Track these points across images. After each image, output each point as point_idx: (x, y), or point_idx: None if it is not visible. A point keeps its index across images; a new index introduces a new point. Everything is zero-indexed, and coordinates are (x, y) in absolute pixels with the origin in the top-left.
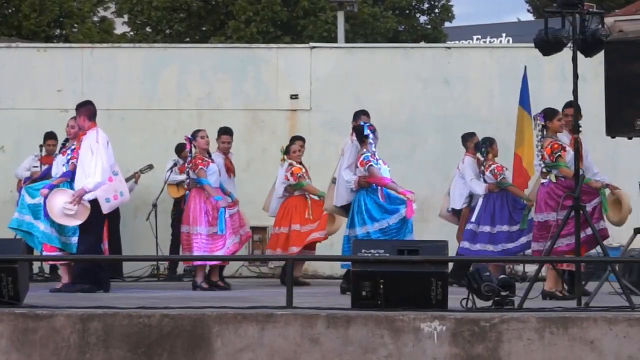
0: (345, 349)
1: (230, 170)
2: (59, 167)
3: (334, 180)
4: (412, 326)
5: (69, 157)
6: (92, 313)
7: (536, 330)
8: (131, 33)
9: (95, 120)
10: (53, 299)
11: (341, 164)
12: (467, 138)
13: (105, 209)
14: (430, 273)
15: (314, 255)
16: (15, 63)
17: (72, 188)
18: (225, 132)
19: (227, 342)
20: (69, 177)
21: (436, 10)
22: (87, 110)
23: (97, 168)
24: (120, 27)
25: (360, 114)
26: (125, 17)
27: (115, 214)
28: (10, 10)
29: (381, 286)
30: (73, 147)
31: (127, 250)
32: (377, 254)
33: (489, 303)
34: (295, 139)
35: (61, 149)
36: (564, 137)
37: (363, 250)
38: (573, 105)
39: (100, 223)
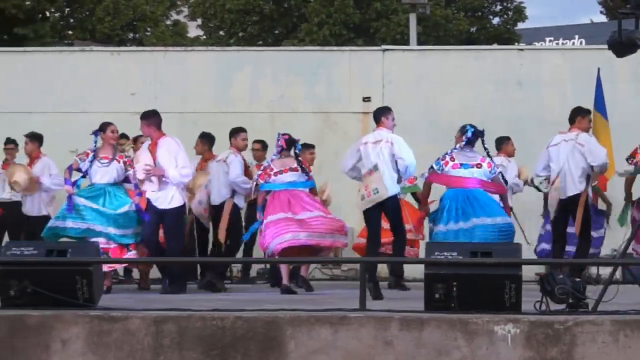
0: (419, 352)
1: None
2: (103, 173)
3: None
4: (485, 329)
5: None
6: (166, 315)
7: (610, 333)
8: (204, 37)
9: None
10: (127, 301)
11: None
12: (502, 142)
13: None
14: (503, 275)
15: (388, 257)
16: (89, 66)
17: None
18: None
19: (301, 345)
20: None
21: (509, 12)
22: (157, 120)
23: (186, 163)
24: (194, 30)
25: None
26: (199, 21)
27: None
28: (84, 14)
29: (454, 288)
30: (125, 155)
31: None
32: (450, 257)
33: (563, 306)
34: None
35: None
36: None
37: (436, 253)
38: None
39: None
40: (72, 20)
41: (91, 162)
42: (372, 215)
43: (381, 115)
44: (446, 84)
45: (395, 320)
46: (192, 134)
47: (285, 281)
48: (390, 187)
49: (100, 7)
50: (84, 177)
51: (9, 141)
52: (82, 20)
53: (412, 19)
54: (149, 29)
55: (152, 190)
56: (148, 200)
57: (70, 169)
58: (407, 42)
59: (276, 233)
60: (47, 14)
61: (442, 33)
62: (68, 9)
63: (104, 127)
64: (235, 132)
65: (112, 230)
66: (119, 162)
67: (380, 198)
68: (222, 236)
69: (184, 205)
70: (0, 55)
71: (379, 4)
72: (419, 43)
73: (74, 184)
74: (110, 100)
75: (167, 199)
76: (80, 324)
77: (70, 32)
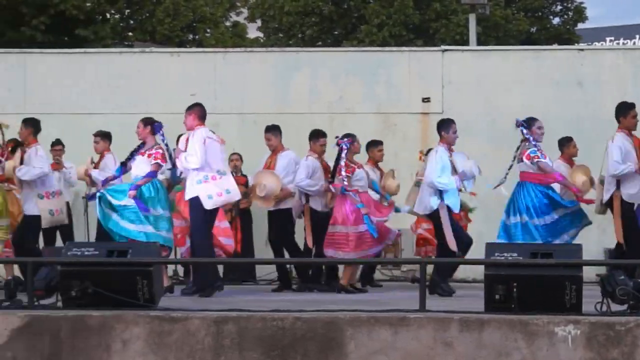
0: (479, 353)
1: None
2: (138, 167)
3: (417, 184)
4: (546, 330)
5: (152, 158)
6: (226, 316)
7: None
8: (263, 38)
9: (204, 122)
10: (187, 302)
11: (428, 172)
12: (563, 143)
13: (208, 204)
14: (564, 276)
15: (447, 258)
16: (150, 68)
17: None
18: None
19: (360, 345)
20: (153, 177)
21: (569, 12)
22: (198, 110)
23: (197, 153)
24: (253, 31)
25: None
26: (258, 22)
27: (248, 215)
28: (144, 16)
29: (515, 289)
30: (153, 148)
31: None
32: (510, 258)
33: (624, 307)
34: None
35: (137, 150)
36: None
37: (497, 254)
38: None
39: (207, 220)
40: (132, 22)
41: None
42: None
43: (440, 129)
44: (506, 85)
45: (455, 321)
46: (252, 134)
47: (344, 281)
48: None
49: (160, 8)
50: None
51: (57, 142)
52: (142, 22)
53: (472, 19)
54: (208, 30)
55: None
56: None
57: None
58: (466, 43)
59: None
60: (108, 15)
61: (501, 33)
62: (128, 10)
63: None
64: (316, 135)
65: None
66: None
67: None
68: (309, 241)
69: (197, 198)
70: (61, 57)
71: (439, 5)
72: (479, 43)
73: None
74: (170, 101)
75: (186, 191)
76: (140, 324)
77: (130, 34)
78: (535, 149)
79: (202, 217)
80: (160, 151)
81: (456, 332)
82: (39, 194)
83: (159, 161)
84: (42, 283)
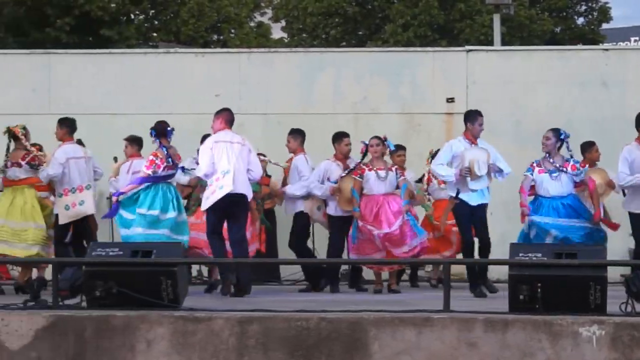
0: (503, 353)
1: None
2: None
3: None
4: (570, 330)
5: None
6: (250, 316)
7: None
8: (287, 39)
9: (231, 126)
10: (211, 302)
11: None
12: (586, 148)
13: (205, 205)
14: (588, 277)
15: (470, 259)
16: (174, 68)
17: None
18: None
19: (385, 346)
20: (142, 184)
21: (594, 12)
22: (226, 114)
23: (200, 162)
24: (277, 32)
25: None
26: (283, 23)
27: (272, 215)
28: (169, 16)
29: (539, 290)
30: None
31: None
32: (534, 258)
33: None
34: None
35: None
36: None
37: (521, 254)
38: None
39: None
40: (156, 22)
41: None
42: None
43: (466, 120)
44: (530, 85)
45: (480, 322)
46: (276, 135)
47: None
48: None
49: (185, 9)
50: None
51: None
52: (166, 22)
53: (496, 19)
54: (233, 30)
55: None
56: None
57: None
58: (491, 43)
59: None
60: (132, 16)
61: (526, 33)
62: (153, 11)
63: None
64: (338, 137)
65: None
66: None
67: None
68: None
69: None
70: (85, 57)
71: (464, 5)
72: (503, 43)
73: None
74: (194, 101)
75: None
76: (164, 324)
77: (154, 34)
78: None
79: (210, 222)
80: (152, 158)
81: (480, 333)
82: (59, 192)
83: (144, 169)
84: (66, 283)
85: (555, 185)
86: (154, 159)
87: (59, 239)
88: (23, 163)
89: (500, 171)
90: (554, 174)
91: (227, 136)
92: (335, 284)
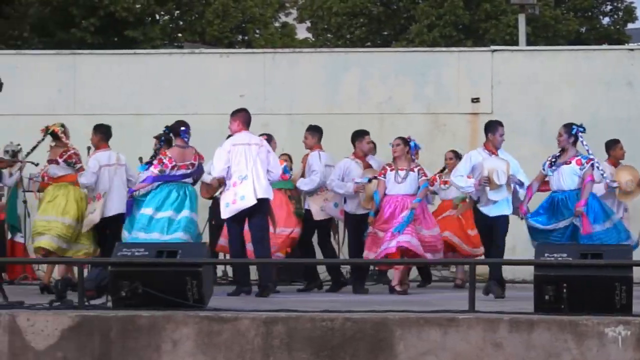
0: (528, 354)
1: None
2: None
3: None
4: (596, 331)
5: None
6: (275, 316)
7: None
8: (312, 39)
9: (248, 127)
10: (237, 302)
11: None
12: (610, 146)
13: (225, 213)
14: (614, 277)
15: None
16: (199, 69)
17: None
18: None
19: (410, 346)
20: (150, 182)
21: (619, 12)
22: (243, 115)
23: (214, 164)
24: (302, 32)
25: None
26: (308, 23)
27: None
28: (194, 17)
29: (564, 290)
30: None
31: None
32: (560, 258)
33: None
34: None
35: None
36: None
37: (546, 254)
38: None
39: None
40: (181, 23)
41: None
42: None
43: (487, 131)
44: (555, 85)
45: (505, 322)
46: (301, 135)
47: (395, 282)
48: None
49: (210, 9)
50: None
51: None
52: (191, 23)
53: (522, 19)
54: (258, 31)
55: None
56: None
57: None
58: (516, 43)
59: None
60: (157, 16)
61: (551, 33)
62: (178, 11)
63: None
64: (359, 135)
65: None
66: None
67: None
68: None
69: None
70: (110, 58)
71: (489, 5)
72: (529, 44)
73: None
74: (219, 102)
75: None
76: (190, 324)
77: (179, 35)
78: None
79: (229, 223)
80: (160, 157)
81: (506, 333)
82: (92, 196)
83: (152, 168)
84: (92, 283)
85: (555, 179)
86: (162, 158)
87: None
88: (60, 160)
89: (521, 184)
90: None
91: (245, 138)
92: (360, 284)
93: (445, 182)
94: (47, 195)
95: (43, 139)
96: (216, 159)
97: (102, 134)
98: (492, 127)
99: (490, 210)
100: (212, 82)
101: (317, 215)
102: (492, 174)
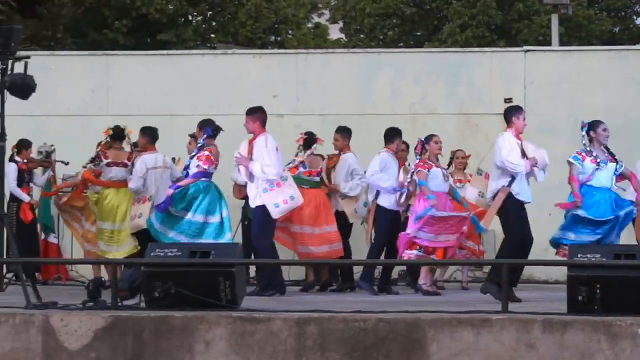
0: (562, 355)
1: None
2: (192, 170)
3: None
4: (629, 331)
5: (200, 161)
6: (308, 317)
7: None
8: (345, 39)
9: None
10: (270, 303)
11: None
12: None
13: (275, 214)
14: None
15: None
16: (232, 69)
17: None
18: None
19: (443, 347)
20: (199, 178)
21: None
22: (262, 116)
23: (274, 163)
24: (335, 33)
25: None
26: (340, 24)
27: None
28: (226, 18)
29: (598, 291)
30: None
31: None
32: (593, 259)
33: None
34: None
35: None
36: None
37: (579, 255)
38: None
39: (270, 227)
40: (214, 24)
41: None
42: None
43: (511, 115)
44: (589, 85)
45: (538, 323)
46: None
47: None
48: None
49: (243, 10)
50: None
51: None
52: (224, 24)
53: (555, 19)
54: (290, 31)
55: (240, 183)
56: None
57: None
58: (549, 43)
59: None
60: (190, 17)
61: (584, 33)
62: (210, 12)
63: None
64: (392, 135)
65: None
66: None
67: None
68: (367, 238)
69: (264, 207)
70: (143, 58)
71: (522, 5)
72: (562, 44)
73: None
74: (252, 102)
75: (252, 197)
76: (223, 325)
77: (212, 36)
78: (577, 152)
79: (264, 224)
80: (207, 154)
81: (539, 334)
82: (137, 199)
83: (200, 163)
84: (125, 284)
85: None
86: (210, 155)
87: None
88: (129, 164)
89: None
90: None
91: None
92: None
93: (460, 180)
94: (111, 199)
95: (108, 140)
96: (271, 157)
97: (150, 136)
98: (516, 110)
99: (528, 197)
100: (245, 82)
101: (352, 218)
102: (543, 158)
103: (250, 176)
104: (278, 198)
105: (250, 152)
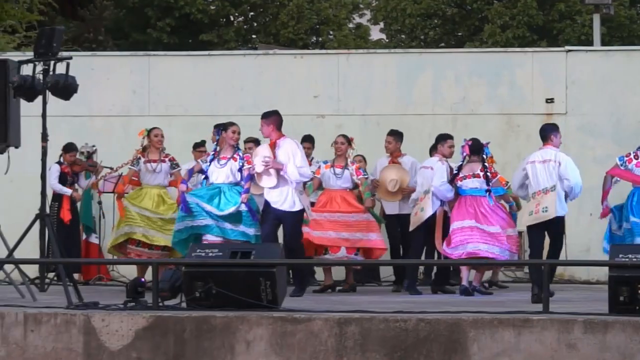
0: (603, 355)
1: None
2: (219, 173)
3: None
4: None
5: (241, 163)
6: (349, 317)
7: None
8: (386, 40)
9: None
10: (310, 303)
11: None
12: None
13: (311, 214)
14: None
15: (569, 260)
16: (274, 70)
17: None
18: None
19: (484, 347)
20: (248, 181)
21: None
22: (277, 119)
23: (307, 164)
24: (376, 33)
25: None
26: (382, 24)
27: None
28: (268, 19)
29: (639, 291)
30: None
31: None
32: (635, 259)
33: None
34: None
35: (213, 156)
36: None
37: (621, 255)
38: None
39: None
40: (255, 25)
41: (211, 161)
42: (535, 232)
43: (550, 133)
44: (631, 85)
45: (579, 323)
46: (375, 135)
47: (465, 282)
48: (559, 207)
49: (284, 11)
50: (205, 178)
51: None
52: (265, 25)
53: (596, 19)
54: (331, 32)
55: (269, 187)
56: (266, 202)
57: (190, 171)
58: (591, 43)
59: (461, 241)
60: (232, 18)
61: (626, 34)
62: (252, 13)
63: (226, 126)
64: (442, 138)
65: (227, 225)
66: (235, 160)
67: (547, 217)
68: (438, 245)
69: (302, 211)
70: (184, 59)
71: (563, 5)
72: (603, 44)
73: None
74: (293, 102)
75: (286, 201)
76: (264, 325)
77: (254, 37)
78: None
79: (298, 225)
80: (248, 155)
81: (580, 334)
82: None
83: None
84: (166, 284)
85: None
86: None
87: None
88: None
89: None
90: None
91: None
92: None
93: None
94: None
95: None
96: (306, 160)
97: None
98: (555, 129)
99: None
100: (287, 83)
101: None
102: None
103: (279, 179)
104: (306, 201)
105: (274, 155)
